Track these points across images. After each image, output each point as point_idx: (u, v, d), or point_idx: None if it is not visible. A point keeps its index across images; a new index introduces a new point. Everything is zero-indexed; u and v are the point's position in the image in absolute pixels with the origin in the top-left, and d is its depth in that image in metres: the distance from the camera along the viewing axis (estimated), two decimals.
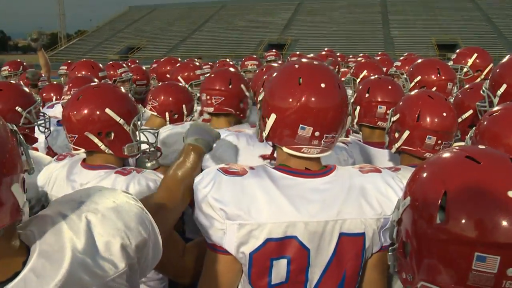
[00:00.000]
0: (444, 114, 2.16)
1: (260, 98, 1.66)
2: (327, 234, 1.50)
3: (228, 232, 1.46)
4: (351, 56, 7.99)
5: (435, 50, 35.83)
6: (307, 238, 1.48)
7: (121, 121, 2.05)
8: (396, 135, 2.26)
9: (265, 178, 1.51)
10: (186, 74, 4.37)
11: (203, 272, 1.57)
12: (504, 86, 2.39)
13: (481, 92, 2.61)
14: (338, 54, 8.09)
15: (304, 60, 1.67)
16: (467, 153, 1.02)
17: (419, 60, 3.88)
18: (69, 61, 6.75)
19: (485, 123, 1.74)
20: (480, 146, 1.08)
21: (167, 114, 3.28)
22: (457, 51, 4.40)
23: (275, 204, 1.46)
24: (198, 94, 3.23)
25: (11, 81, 2.97)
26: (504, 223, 0.89)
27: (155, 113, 3.30)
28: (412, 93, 2.32)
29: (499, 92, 2.41)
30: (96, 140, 2.02)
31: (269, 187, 1.49)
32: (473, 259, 0.92)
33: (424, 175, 1.07)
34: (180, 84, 3.73)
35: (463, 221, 0.93)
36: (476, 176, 0.96)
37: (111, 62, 5.20)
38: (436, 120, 2.15)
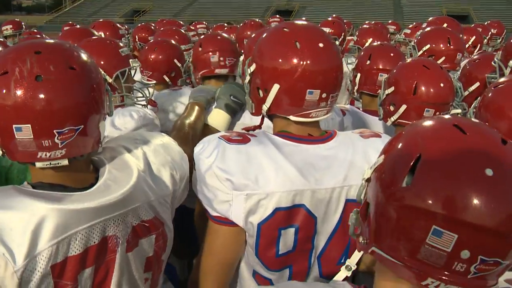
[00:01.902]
0: (442, 84, 2.10)
1: (251, 69, 1.58)
2: (333, 201, 1.49)
3: (234, 203, 1.42)
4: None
5: None
6: (314, 206, 1.47)
7: (102, 73, 2.13)
8: (391, 108, 2.20)
9: (270, 145, 1.46)
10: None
11: (205, 245, 1.54)
12: None
13: (492, 63, 2.54)
14: (345, 21, 7.95)
15: (287, 22, 1.60)
16: (456, 122, 0.92)
17: (429, 28, 3.77)
18: (70, 22, 6.60)
19: (490, 94, 1.67)
20: (474, 120, 0.98)
21: (165, 77, 3.22)
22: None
23: (283, 172, 1.42)
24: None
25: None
26: (472, 200, 0.80)
27: (154, 81, 3.18)
28: (406, 63, 2.24)
29: (511, 63, 2.33)
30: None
31: (275, 155, 1.44)
32: (429, 232, 0.83)
33: (403, 137, 0.98)
34: (159, 39, 3.60)
35: (428, 189, 0.84)
36: (456, 145, 0.86)
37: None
38: (434, 91, 2.08)
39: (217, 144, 1.47)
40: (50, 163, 1.17)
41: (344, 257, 1.56)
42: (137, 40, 5.31)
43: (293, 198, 1.44)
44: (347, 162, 1.50)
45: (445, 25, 4.02)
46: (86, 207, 1.17)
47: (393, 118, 2.18)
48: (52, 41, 1.26)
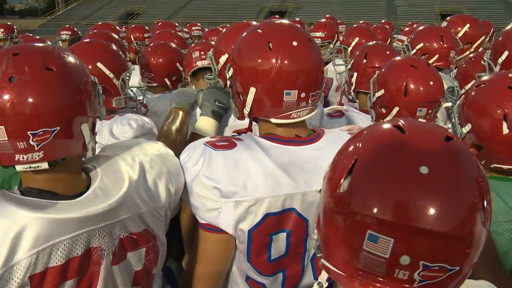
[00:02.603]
0: (431, 82, 2.09)
1: (229, 74, 1.55)
2: None
3: (223, 210, 1.39)
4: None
5: (438, 20, 35.27)
6: (305, 209, 1.45)
7: (111, 75, 2.22)
8: (383, 110, 2.19)
9: (257, 149, 1.43)
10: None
11: (194, 252, 1.51)
12: (506, 53, 2.34)
13: (482, 62, 2.55)
14: (339, 21, 7.94)
15: (262, 23, 1.57)
16: (400, 123, 0.87)
17: (421, 27, 3.76)
18: (67, 26, 6.55)
19: (472, 93, 1.67)
20: (421, 120, 0.92)
21: (166, 79, 3.19)
22: (448, 18, 4.10)
23: (271, 177, 1.39)
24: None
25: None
26: (404, 200, 0.75)
27: (154, 84, 3.20)
28: (393, 63, 2.21)
29: (500, 60, 2.36)
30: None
31: (262, 159, 1.41)
32: (365, 237, 0.78)
33: (349, 142, 0.93)
34: (161, 42, 3.62)
35: (361, 192, 0.80)
36: (392, 146, 0.81)
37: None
38: (424, 90, 2.08)
39: (203, 151, 1.43)
40: (30, 166, 1.14)
41: None
42: (133, 40, 5.33)
43: (283, 203, 1.41)
44: None
45: (468, 25, 3.88)
46: (70, 217, 1.14)
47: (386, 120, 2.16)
48: (34, 44, 1.24)
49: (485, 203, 0.79)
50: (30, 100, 1.10)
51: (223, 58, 2.10)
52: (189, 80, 2.97)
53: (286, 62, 1.40)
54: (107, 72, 2.21)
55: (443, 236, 0.75)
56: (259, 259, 1.46)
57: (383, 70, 2.23)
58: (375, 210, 0.77)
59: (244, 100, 1.51)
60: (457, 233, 0.76)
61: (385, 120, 0.89)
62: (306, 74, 1.43)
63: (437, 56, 3.33)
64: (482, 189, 0.79)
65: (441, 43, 3.38)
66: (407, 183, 0.76)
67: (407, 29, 4.60)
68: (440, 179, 0.76)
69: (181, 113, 1.99)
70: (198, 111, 2.12)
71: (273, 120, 1.48)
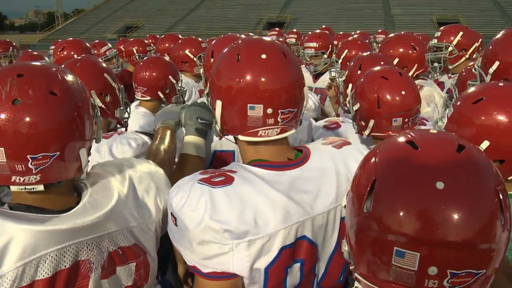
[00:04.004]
0: (403, 92, 2.11)
1: (207, 89, 1.52)
2: (330, 224, 1.43)
3: (236, 253, 1.26)
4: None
5: (435, 28, 35.44)
6: (314, 234, 1.39)
7: (116, 86, 2.25)
8: (362, 122, 2.22)
9: (256, 180, 1.33)
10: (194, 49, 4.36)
11: None
12: (497, 63, 2.30)
13: (473, 70, 2.56)
14: (341, 32, 7.99)
15: (247, 37, 1.53)
16: (412, 138, 0.90)
17: (386, 41, 3.75)
18: (59, 40, 6.56)
19: (478, 113, 1.60)
20: (432, 131, 0.95)
21: (159, 93, 3.21)
22: (441, 28, 4.19)
23: (280, 207, 1.30)
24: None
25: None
26: (425, 216, 0.79)
27: (148, 98, 3.22)
28: (365, 77, 2.23)
29: (491, 70, 2.33)
30: (97, 100, 2.17)
31: (265, 190, 1.31)
32: (393, 254, 0.83)
33: (364, 161, 0.97)
34: (153, 55, 3.64)
35: (384, 212, 0.84)
36: (407, 164, 0.85)
37: (96, 41, 5.19)
38: (397, 101, 2.10)
39: (201, 191, 1.28)
40: (25, 188, 1.14)
41: (343, 275, 1.52)
42: (135, 53, 5.39)
43: (295, 232, 1.34)
44: (333, 180, 1.43)
45: (460, 33, 3.97)
46: (57, 229, 1.14)
47: (366, 132, 2.21)
48: (38, 64, 1.23)
49: (504, 206, 0.83)
50: (32, 124, 1.10)
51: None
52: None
53: (250, 73, 1.33)
54: (113, 83, 2.24)
55: (466, 245, 0.79)
56: None
57: (359, 83, 2.25)
58: (398, 228, 0.82)
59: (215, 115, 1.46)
60: (479, 241, 0.80)
61: (393, 135, 0.91)
62: (271, 88, 1.34)
63: (416, 65, 3.42)
64: (500, 192, 0.83)
65: (414, 50, 3.44)
66: (425, 200, 0.80)
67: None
68: (456, 192, 0.80)
69: (168, 132, 2.00)
70: (182, 129, 2.11)
71: (240, 137, 1.42)
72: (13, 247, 1.07)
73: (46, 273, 1.12)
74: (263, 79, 1.33)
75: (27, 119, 1.09)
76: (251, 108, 1.35)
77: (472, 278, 0.82)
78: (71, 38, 4.56)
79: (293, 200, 1.34)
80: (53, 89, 1.14)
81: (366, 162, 0.97)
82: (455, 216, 0.79)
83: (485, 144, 1.54)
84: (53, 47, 6.24)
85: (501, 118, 1.53)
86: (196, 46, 4.39)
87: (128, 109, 2.42)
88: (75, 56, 4.04)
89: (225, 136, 1.53)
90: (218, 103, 1.40)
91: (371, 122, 2.16)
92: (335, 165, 1.45)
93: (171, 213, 1.33)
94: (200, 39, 5.41)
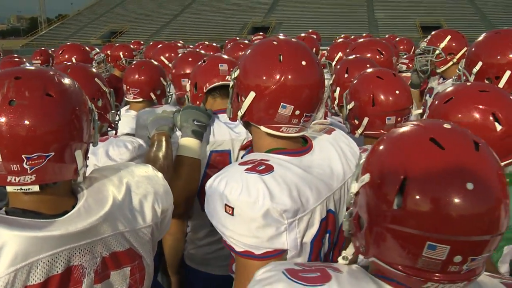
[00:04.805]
0: (397, 91, 2.18)
1: (234, 75, 1.61)
2: (342, 198, 1.62)
3: (289, 231, 1.39)
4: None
5: (418, 32, 35.92)
6: (335, 206, 1.58)
7: (107, 90, 2.25)
8: (356, 121, 2.28)
9: (288, 165, 1.46)
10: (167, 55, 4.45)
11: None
12: (480, 64, 2.41)
13: (457, 70, 2.64)
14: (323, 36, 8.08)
15: (281, 37, 1.64)
16: (431, 134, 0.97)
17: (354, 47, 3.75)
18: (42, 48, 6.49)
19: (447, 110, 1.70)
20: (445, 125, 1.01)
21: (152, 94, 3.27)
22: (433, 32, 4.26)
23: (314, 186, 1.47)
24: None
25: None
26: (460, 216, 0.88)
27: (140, 99, 3.27)
28: (361, 76, 2.31)
29: (474, 70, 2.44)
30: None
31: (298, 172, 1.46)
32: (424, 247, 0.91)
33: (385, 154, 1.02)
34: (145, 59, 3.72)
35: (419, 210, 0.91)
36: (437, 164, 0.92)
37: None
38: (391, 99, 2.16)
39: (255, 179, 1.37)
40: (21, 188, 1.16)
41: (344, 243, 1.66)
42: (122, 57, 5.42)
43: (325, 206, 1.52)
44: (338, 160, 1.62)
45: (449, 37, 4.04)
46: (49, 235, 1.14)
47: (359, 131, 2.26)
48: (35, 68, 1.25)
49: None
50: (27, 124, 1.11)
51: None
52: (198, 95, 2.54)
53: (291, 77, 1.46)
54: (104, 87, 2.26)
55: (489, 237, 0.90)
56: None
57: (354, 83, 2.32)
58: (433, 226, 0.90)
59: (242, 102, 1.56)
60: (499, 232, 0.91)
61: (406, 128, 0.97)
62: (306, 94, 1.49)
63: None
64: (504, 178, 0.95)
65: (381, 55, 3.46)
66: (460, 200, 0.88)
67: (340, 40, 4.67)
68: (483, 190, 0.90)
69: (164, 138, 2.03)
70: (178, 133, 2.14)
71: (262, 128, 1.54)
72: (5, 253, 1.07)
73: (38, 278, 1.12)
74: (300, 84, 1.47)
75: (23, 119, 1.11)
76: (283, 107, 1.48)
77: (484, 259, 0.94)
78: (69, 43, 4.69)
79: (319, 179, 1.50)
80: (49, 91, 1.16)
81: (385, 155, 1.02)
82: (484, 214, 0.89)
83: None
84: (37, 61, 6.09)
85: (466, 115, 1.62)
86: (171, 52, 4.56)
87: (119, 112, 2.45)
88: (74, 59, 4.17)
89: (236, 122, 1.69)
90: (251, 94, 1.51)
91: (365, 120, 2.21)
92: (334, 147, 1.65)
93: (226, 205, 1.39)
94: (180, 43, 5.49)
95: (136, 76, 3.26)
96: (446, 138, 0.96)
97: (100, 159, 2.02)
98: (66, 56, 4.27)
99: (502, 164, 1.60)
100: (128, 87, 3.29)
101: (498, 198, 0.90)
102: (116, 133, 2.43)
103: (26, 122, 1.11)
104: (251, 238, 1.37)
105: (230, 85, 1.67)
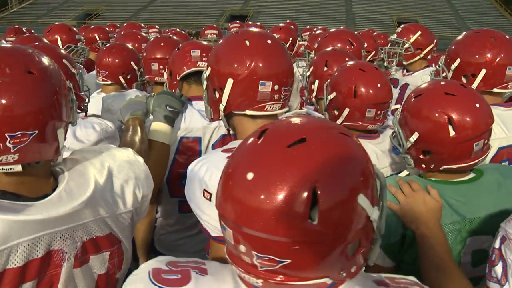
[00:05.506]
0: (379, 85, 2.21)
1: (206, 75, 1.65)
2: None
3: None
4: (306, 32, 7.82)
5: (395, 27, 36.34)
6: None
7: (74, 71, 2.20)
8: (336, 112, 2.29)
9: None
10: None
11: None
12: (458, 60, 2.49)
13: (437, 66, 2.69)
14: (307, 27, 8.07)
15: (254, 29, 1.71)
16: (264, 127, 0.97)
17: (325, 36, 3.82)
18: (16, 26, 6.33)
19: (413, 104, 1.75)
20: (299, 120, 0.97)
21: (120, 77, 3.25)
22: (402, 25, 4.42)
23: None
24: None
25: None
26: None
27: (109, 82, 3.26)
28: (343, 68, 2.34)
29: (453, 67, 2.51)
30: None
31: None
32: None
33: None
34: (118, 42, 3.71)
35: None
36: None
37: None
38: (372, 93, 2.19)
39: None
40: (2, 168, 1.13)
41: None
42: (98, 40, 5.34)
43: None
44: None
45: (419, 32, 4.15)
46: (30, 219, 1.13)
47: (338, 121, 2.27)
48: (13, 45, 1.22)
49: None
50: (10, 102, 1.09)
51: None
52: (173, 83, 2.55)
53: (261, 55, 1.54)
54: (72, 68, 2.20)
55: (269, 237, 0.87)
56: None
57: (335, 74, 2.34)
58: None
59: (220, 96, 1.59)
60: None
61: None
62: (280, 68, 1.57)
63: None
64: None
65: (352, 46, 3.53)
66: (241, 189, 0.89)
67: (307, 33, 4.72)
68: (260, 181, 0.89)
69: (138, 123, 2.02)
70: (151, 117, 2.15)
71: (248, 112, 1.57)
72: None
73: (17, 262, 1.11)
74: (272, 60, 1.56)
75: (5, 97, 1.08)
76: (262, 84, 1.55)
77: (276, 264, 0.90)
78: (57, 23, 4.66)
79: None
80: (31, 69, 1.14)
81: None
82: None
83: (415, 136, 1.70)
84: (10, 38, 5.94)
85: (426, 114, 1.66)
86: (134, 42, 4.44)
87: (88, 94, 2.42)
88: (59, 39, 4.16)
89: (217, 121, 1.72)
90: (229, 81, 1.55)
91: (346, 111, 2.23)
92: None
93: (204, 190, 1.42)
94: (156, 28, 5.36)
95: (106, 58, 3.26)
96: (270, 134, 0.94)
97: (67, 140, 1.97)
98: (55, 36, 4.24)
99: (455, 166, 1.66)
100: (98, 69, 3.29)
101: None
102: (86, 115, 2.40)
103: (8, 99, 1.09)
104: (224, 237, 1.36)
105: (204, 87, 1.69)
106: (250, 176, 0.86)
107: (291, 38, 5.05)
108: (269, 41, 1.59)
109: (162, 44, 3.17)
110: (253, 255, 0.88)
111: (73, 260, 1.25)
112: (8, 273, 1.10)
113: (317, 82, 2.78)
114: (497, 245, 1.27)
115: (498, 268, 1.23)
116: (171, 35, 4.57)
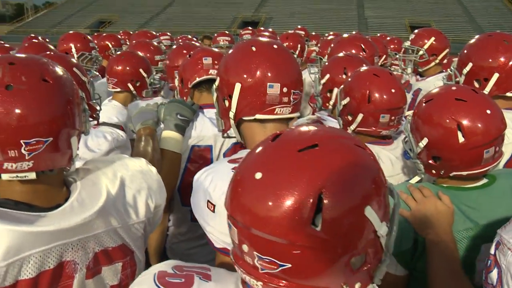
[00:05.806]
0: (393, 90, 2.19)
1: (216, 85, 1.66)
2: None
3: None
4: (314, 40, 7.75)
5: (408, 32, 36.12)
6: None
7: (86, 80, 2.21)
8: (349, 117, 2.27)
9: None
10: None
11: None
12: (470, 65, 2.44)
13: (449, 70, 2.66)
14: (313, 33, 8.06)
15: (266, 34, 1.74)
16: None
17: (338, 41, 3.74)
18: (32, 35, 6.43)
19: (423, 110, 1.75)
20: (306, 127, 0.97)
21: (129, 85, 3.28)
22: (415, 31, 4.29)
23: None
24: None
25: None
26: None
27: (118, 89, 3.29)
28: (357, 73, 2.31)
29: (465, 71, 2.47)
30: None
31: None
32: None
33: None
34: (128, 50, 3.75)
35: None
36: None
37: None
38: (386, 98, 2.17)
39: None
40: (17, 176, 1.13)
41: None
42: (111, 47, 5.42)
43: None
44: None
45: (433, 38, 4.04)
46: (42, 230, 1.13)
47: (352, 127, 2.26)
48: (27, 55, 1.24)
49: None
50: (26, 109, 1.10)
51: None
52: (184, 90, 2.54)
53: (268, 58, 1.55)
54: (83, 77, 2.21)
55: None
56: None
57: (349, 79, 2.32)
58: None
59: (230, 103, 1.58)
60: None
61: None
62: (287, 71, 1.57)
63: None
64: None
65: (364, 52, 3.44)
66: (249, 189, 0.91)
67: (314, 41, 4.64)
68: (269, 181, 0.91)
69: (149, 132, 2.03)
70: (161, 127, 2.14)
71: (258, 116, 1.55)
72: None
73: (29, 273, 1.11)
74: (279, 62, 1.57)
75: (21, 104, 1.10)
76: (270, 86, 1.54)
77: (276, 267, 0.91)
78: (71, 31, 4.70)
79: None
80: (46, 77, 1.16)
81: None
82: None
83: (424, 141, 1.68)
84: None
85: (437, 119, 1.65)
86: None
87: (99, 102, 2.43)
88: (74, 47, 4.18)
89: (227, 132, 1.69)
90: (237, 86, 1.55)
91: (360, 117, 2.21)
92: None
93: (208, 201, 1.41)
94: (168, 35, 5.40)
95: (115, 66, 3.29)
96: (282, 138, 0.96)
97: (79, 149, 1.99)
98: (69, 44, 4.29)
99: (465, 173, 1.64)
100: (108, 76, 3.33)
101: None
102: (97, 124, 2.41)
103: (25, 107, 1.10)
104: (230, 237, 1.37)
105: (214, 99, 1.69)
106: (258, 175, 0.86)
107: (299, 46, 5.04)
108: (275, 46, 1.60)
109: (184, 51, 3.19)
110: (254, 256, 0.88)
111: (85, 271, 1.25)
112: (20, 285, 1.10)
113: (336, 90, 2.67)
114: (492, 250, 1.25)
115: (494, 274, 1.22)
116: (181, 42, 4.59)
